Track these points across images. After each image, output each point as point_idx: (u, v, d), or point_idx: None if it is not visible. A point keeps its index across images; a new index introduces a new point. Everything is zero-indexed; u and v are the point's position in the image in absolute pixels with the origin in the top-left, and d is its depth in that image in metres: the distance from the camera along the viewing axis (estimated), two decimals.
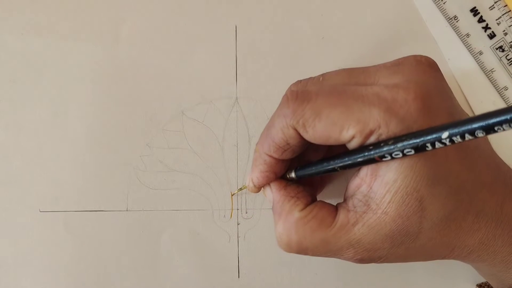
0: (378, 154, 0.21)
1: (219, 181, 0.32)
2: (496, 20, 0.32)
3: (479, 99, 0.32)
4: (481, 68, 0.32)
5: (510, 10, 0.31)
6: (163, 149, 0.32)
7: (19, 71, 0.32)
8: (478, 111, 0.32)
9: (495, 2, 0.32)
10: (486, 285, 0.31)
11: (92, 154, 0.32)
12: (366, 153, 0.21)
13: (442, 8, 0.32)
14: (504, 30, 0.32)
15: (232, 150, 0.32)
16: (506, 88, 0.32)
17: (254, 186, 0.26)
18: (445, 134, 0.18)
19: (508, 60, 0.32)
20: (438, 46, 0.32)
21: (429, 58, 0.24)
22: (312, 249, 0.24)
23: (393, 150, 0.20)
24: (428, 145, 0.19)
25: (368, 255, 0.23)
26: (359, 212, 0.23)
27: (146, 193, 0.32)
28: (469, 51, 0.32)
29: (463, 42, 0.32)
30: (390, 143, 0.20)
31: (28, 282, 0.31)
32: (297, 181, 0.26)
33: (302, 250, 0.24)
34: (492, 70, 0.32)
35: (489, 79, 0.32)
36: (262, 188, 0.27)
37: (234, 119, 0.32)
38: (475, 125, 0.17)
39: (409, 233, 0.22)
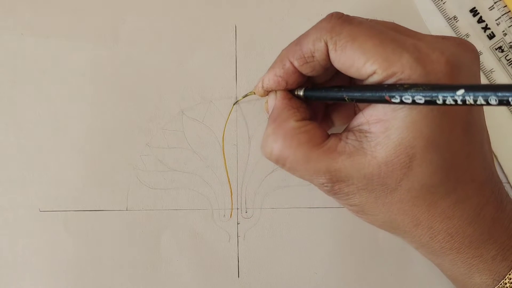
0: (389, 94, 0.21)
1: (218, 181, 0.32)
2: (496, 20, 0.32)
3: None
4: (481, 69, 0.32)
5: (509, 11, 0.32)
6: (163, 149, 0.32)
7: (19, 71, 0.32)
8: None
9: (495, 3, 0.32)
10: None
11: (92, 154, 0.32)
12: (379, 90, 0.21)
13: (441, 8, 0.32)
14: (504, 31, 0.32)
15: (232, 150, 0.32)
16: None
17: (262, 87, 0.26)
18: (460, 91, 0.18)
19: (508, 60, 0.32)
20: None
21: (473, 45, 0.24)
22: (291, 161, 0.24)
23: (405, 94, 0.20)
24: (440, 98, 0.19)
25: (339, 187, 0.23)
26: (350, 145, 0.23)
27: (146, 192, 0.32)
28: None
29: None
30: (405, 86, 0.20)
31: (28, 282, 0.31)
32: (304, 101, 0.26)
33: (281, 158, 0.24)
34: (492, 71, 0.32)
35: (488, 79, 0.32)
36: (267, 96, 0.27)
37: (234, 119, 0.32)
38: (489, 93, 0.17)
39: (385, 184, 0.22)
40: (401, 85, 0.20)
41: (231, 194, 0.32)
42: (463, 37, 0.32)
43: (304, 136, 0.23)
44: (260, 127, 0.32)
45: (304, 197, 0.32)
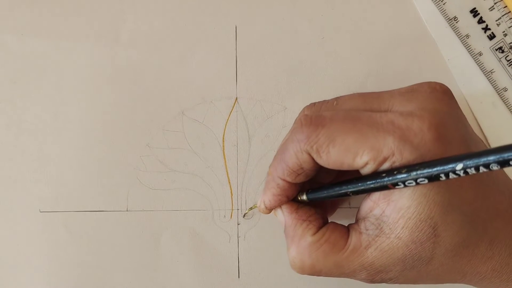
0: (391, 182, 0.21)
1: (219, 181, 0.32)
2: (496, 21, 0.32)
3: (479, 100, 0.32)
4: (481, 69, 0.32)
5: (510, 11, 0.32)
6: (163, 149, 0.32)
7: (19, 72, 0.32)
8: (478, 113, 0.32)
9: (495, 3, 0.32)
10: None
11: (92, 154, 0.32)
12: (379, 180, 0.21)
13: (442, 8, 0.32)
14: (504, 31, 0.32)
15: (232, 150, 0.32)
16: (505, 89, 0.32)
17: (266, 208, 0.26)
18: (459, 166, 0.18)
19: (508, 61, 0.32)
20: (438, 46, 0.32)
21: (444, 85, 0.24)
22: (326, 272, 0.24)
23: (407, 179, 0.20)
24: (442, 175, 0.19)
25: (380, 276, 0.24)
26: (372, 236, 0.23)
27: (146, 193, 0.32)
28: (468, 52, 0.32)
29: (462, 43, 0.32)
30: (403, 171, 0.20)
31: (28, 282, 0.31)
32: (308, 203, 0.26)
33: (315, 272, 0.24)
34: (492, 71, 0.32)
35: (488, 80, 0.32)
36: (273, 210, 0.27)
37: (234, 119, 0.32)
38: (490, 158, 0.17)
39: (421, 258, 0.22)
40: (399, 170, 0.21)
41: (232, 195, 0.32)
42: (463, 38, 0.32)
43: (327, 246, 0.24)
44: (260, 127, 0.32)
45: None
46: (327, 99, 0.26)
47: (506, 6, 0.32)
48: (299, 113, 0.24)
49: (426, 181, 0.20)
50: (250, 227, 0.32)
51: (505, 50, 0.32)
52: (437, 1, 0.32)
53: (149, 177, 0.32)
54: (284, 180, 0.25)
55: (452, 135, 0.22)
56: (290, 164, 0.24)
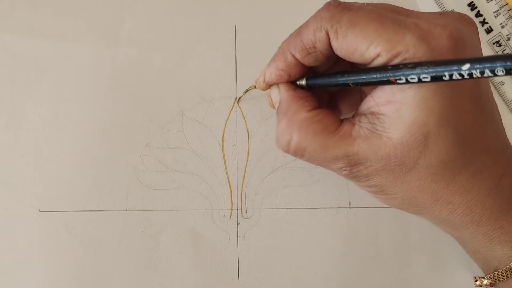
0: (394, 75, 0.21)
1: (218, 181, 0.32)
2: (494, 13, 0.32)
3: None
4: None
5: (506, 4, 0.32)
6: (163, 149, 0.32)
7: (19, 71, 0.32)
8: None
9: None
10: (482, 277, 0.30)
11: (92, 154, 0.32)
12: (383, 73, 0.21)
13: (439, 2, 0.32)
14: (501, 23, 0.32)
15: (232, 150, 0.32)
16: (502, 83, 0.32)
17: (264, 81, 0.26)
18: (465, 66, 0.18)
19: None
20: None
21: (471, 18, 0.24)
22: (309, 152, 0.24)
23: (410, 74, 0.20)
24: (446, 74, 0.19)
25: (357, 169, 0.24)
26: (364, 128, 0.23)
27: (146, 193, 0.32)
28: None
29: None
30: (409, 66, 0.20)
31: (28, 282, 0.31)
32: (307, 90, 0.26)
33: (299, 150, 0.24)
34: None
35: None
36: (269, 89, 0.27)
37: (234, 119, 0.32)
38: (497, 63, 0.17)
39: (403, 163, 0.22)
40: (405, 65, 0.20)
41: (231, 194, 0.32)
42: None
43: (319, 125, 0.24)
44: (260, 127, 0.32)
45: (304, 198, 0.32)
46: None
47: None
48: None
49: (429, 78, 0.20)
50: (250, 227, 0.32)
51: (502, 44, 0.32)
52: None
53: (149, 176, 0.32)
54: (293, 56, 0.24)
55: (466, 53, 0.22)
56: (305, 40, 0.24)
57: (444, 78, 0.19)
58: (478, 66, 0.18)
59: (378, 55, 0.21)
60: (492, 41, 0.32)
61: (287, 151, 0.25)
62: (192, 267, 0.31)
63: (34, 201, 0.31)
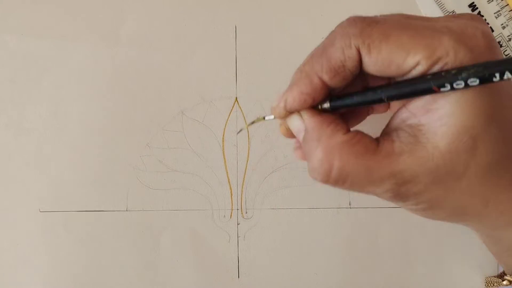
0: (437, 83, 0.20)
1: (219, 181, 0.32)
2: (495, 14, 0.32)
3: None
4: None
5: (507, 4, 0.32)
6: (163, 149, 0.32)
7: (19, 71, 0.32)
8: None
9: None
10: (495, 280, 0.30)
11: (91, 154, 0.32)
12: (423, 82, 0.20)
13: (440, 2, 0.32)
14: (502, 24, 0.32)
15: (232, 150, 0.32)
16: None
17: (284, 108, 0.23)
18: None
19: (506, 55, 0.32)
20: None
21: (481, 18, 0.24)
22: (353, 177, 0.22)
23: (455, 80, 0.19)
24: (497, 75, 0.18)
25: (406, 187, 0.22)
26: (405, 143, 0.22)
27: (146, 193, 0.32)
28: None
29: None
30: (453, 72, 0.19)
31: (28, 281, 0.31)
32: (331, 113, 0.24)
33: (342, 177, 0.22)
34: None
35: None
36: (287, 118, 0.24)
37: (234, 119, 0.32)
38: None
39: (454, 171, 0.21)
40: (448, 72, 0.20)
41: (231, 195, 0.32)
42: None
43: (359, 146, 0.22)
44: (260, 127, 0.32)
45: (304, 198, 0.32)
46: None
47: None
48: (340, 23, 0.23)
49: (478, 81, 0.19)
50: (250, 227, 0.32)
51: (503, 45, 0.32)
52: None
53: (149, 177, 0.32)
54: (320, 77, 0.22)
55: (499, 50, 0.22)
56: (333, 60, 0.22)
57: (495, 79, 0.19)
58: None
59: (418, 64, 0.20)
60: None
61: (327, 181, 0.23)
62: (192, 267, 0.31)
63: (34, 201, 0.31)
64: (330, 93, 0.24)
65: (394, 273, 0.32)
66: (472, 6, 0.32)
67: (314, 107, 0.23)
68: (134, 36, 0.32)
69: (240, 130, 0.31)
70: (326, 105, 0.23)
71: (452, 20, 0.22)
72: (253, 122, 0.27)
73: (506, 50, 0.32)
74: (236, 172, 0.32)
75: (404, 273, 0.32)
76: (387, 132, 0.23)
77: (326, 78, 0.22)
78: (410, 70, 0.21)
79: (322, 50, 0.23)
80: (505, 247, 0.27)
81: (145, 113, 0.32)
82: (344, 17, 0.32)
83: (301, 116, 0.23)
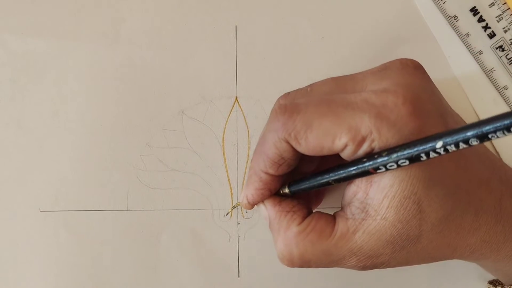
0: (373, 166, 0.21)
1: (219, 181, 0.32)
2: (496, 17, 0.32)
3: (480, 97, 0.32)
4: (481, 68, 0.32)
5: (509, 8, 0.32)
6: (163, 149, 0.32)
7: (19, 71, 0.32)
8: (480, 110, 0.32)
9: (495, 0, 0.32)
10: (497, 282, 0.30)
11: (92, 153, 0.32)
12: (360, 166, 0.21)
13: (441, 7, 0.32)
14: (504, 28, 0.32)
15: (232, 149, 0.32)
16: (506, 88, 0.32)
17: (249, 203, 0.26)
18: (439, 144, 0.18)
19: (508, 59, 0.32)
20: (439, 44, 0.32)
21: (415, 60, 0.24)
22: (315, 261, 0.24)
23: (388, 162, 0.20)
24: (423, 155, 0.19)
25: (371, 261, 0.23)
26: (358, 219, 0.22)
27: (146, 192, 0.31)
28: (469, 50, 0.32)
29: (463, 41, 0.32)
30: (384, 154, 0.20)
31: (28, 282, 0.31)
32: (292, 196, 0.26)
33: (305, 263, 0.24)
34: (492, 70, 0.32)
35: (489, 78, 0.32)
36: (255, 206, 0.27)
37: (234, 118, 0.32)
38: (469, 133, 0.17)
39: (409, 237, 0.22)
40: (379, 154, 0.20)
41: (231, 194, 0.32)
42: (463, 37, 0.32)
43: (314, 234, 0.23)
44: (260, 127, 0.32)
45: None
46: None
47: (505, 3, 0.32)
48: (274, 104, 0.24)
49: (407, 162, 0.20)
50: (250, 227, 0.32)
51: (505, 49, 0.32)
52: (437, 0, 0.32)
53: (149, 176, 0.32)
54: (266, 173, 0.24)
55: (427, 109, 0.22)
56: (271, 155, 0.23)
57: (421, 159, 0.19)
58: (450, 140, 0.18)
59: (346, 145, 0.21)
60: (495, 46, 0.32)
61: (292, 266, 0.24)
62: (192, 266, 0.31)
63: (34, 200, 0.31)
64: (294, 174, 0.25)
65: (394, 273, 0.32)
66: (474, 11, 0.32)
67: (277, 193, 0.26)
68: (134, 35, 0.32)
69: (228, 213, 0.32)
70: (286, 190, 0.25)
71: (375, 81, 0.23)
72: (234, 207, 0.31)
73: (508, 53, 0.32)
74: (236, 172, 0.32)
75: (404, 273, 0.32)
76: (343, 206, 0.24)
77: (271, 171, 0.24)
78: (341, 151, 0.22)
79: (260, 146, 0.24)
80: (491, 270, 0.29)
81: (145, 113, 0.32)
82: (344, 17, 0.33)
83: (265, 206, 0.26)
